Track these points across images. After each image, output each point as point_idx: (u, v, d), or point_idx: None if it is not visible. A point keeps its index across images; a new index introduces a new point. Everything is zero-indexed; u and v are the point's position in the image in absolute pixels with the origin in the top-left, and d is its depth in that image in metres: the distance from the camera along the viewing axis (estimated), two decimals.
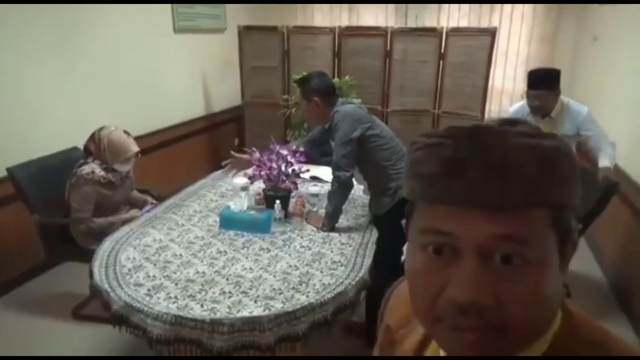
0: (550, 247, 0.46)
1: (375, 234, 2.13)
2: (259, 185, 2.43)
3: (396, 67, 4.08)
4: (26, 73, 2.79)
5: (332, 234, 2.09)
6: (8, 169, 2.40)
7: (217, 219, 2.17)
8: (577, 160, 0.48)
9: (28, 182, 2.41)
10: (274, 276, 1.73)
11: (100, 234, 2.23)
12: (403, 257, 2.31)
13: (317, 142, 2.44)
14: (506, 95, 4.84)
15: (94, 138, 2.46)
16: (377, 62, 4.11)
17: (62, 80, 3.01)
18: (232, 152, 2.47)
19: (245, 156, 2.48)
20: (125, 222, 2.42)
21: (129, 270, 1.76)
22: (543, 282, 0.45)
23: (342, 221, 2.20)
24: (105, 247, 1.94)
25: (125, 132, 2.52)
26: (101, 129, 2.47)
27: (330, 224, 2.12)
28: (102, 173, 2.42)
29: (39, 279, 2.96)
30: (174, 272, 1.74)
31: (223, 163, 2.50)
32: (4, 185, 2.53)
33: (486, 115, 4.02)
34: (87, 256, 1.95)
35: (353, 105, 2.22)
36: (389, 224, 2.15)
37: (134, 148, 2.50)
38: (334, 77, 4.05)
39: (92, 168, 2.41)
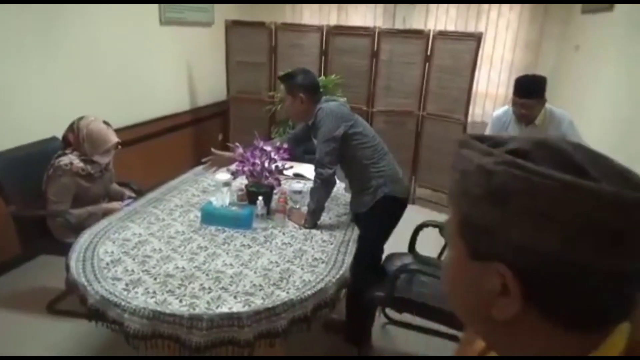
0: (458, 247, 0.50)
1: (356, 232, 2.13)
2: (242, 181, 2.41)
3: (382, 68, 4.10)
4: (4, 61, 2.72)
5: (313, 231, 2.09)
6: None
7: (199, 214, 2.15)
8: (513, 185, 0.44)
9: (4, 172, 2.36)
10: (255, 272, 1.72)
11: (78, 227, 2.20)
12: (384, 256, 2.33)
13: (301, 139, 2.44)
14: (490, 99, 4.91)
15: (72, 128, 2.41)
16: (363, 61, 4.12)
17: (42, 69, 2.95)
18: (213, 150, 2.45)
19: (226, 153, 2.46)
20: (105, 213, 2.38)
21: (107, 264, 1.73)
22: (446, 269, 0.53)
23: (324, 219, 2.20)
24: (83, 240, 1.90)
25: (105, 122, 2.48)
26: (80, 119, 2.43)
27: (312, 221, 2.12)
28: (81, 164, 2.38)
29: (13, 272, 2.89)
30: (153, 267, 1.72)
31: (203, 160, 2.48)
32: None
33: (469, 119, 4.06)
34: (63, 249, 1.91)
35: (336, 102, 2.22)
36: (369, 222, 2.16)
37: (114, 139, 2.47)
38: (320, 75, 4.05)
39: (71, 159, 2.36)
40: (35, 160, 2.46)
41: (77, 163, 2.37)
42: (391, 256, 2.35)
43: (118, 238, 1.94)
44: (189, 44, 4.40)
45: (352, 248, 1.97)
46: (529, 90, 2.57)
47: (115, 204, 2.50)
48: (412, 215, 2.47)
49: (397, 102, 4.15)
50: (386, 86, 4.15)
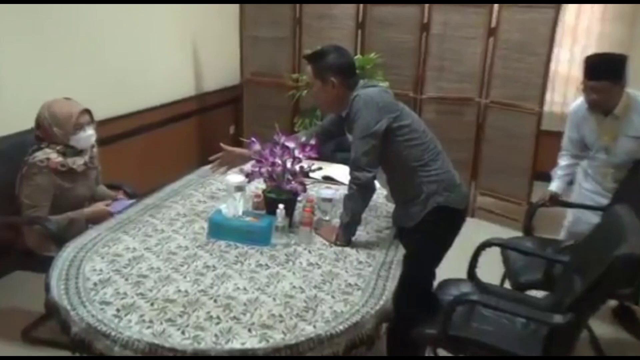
0: None
1: (401, 251, 2.11)
2: (258, 185, 2.42)
3: (434, 44, 4.08)
4: None
5: (347, 250, 2.08)
6: None
7: (205, 226, 2.17)
8: None
9: None
10: (274, 299, 1.72)
11: (59, 237, 2.24)
12: (436, 282, 2.29)
13: (331, 133, 2.43)
14: (572, 83, 4.79)
15: (37, 122, 2.49)
16: (410, 36, 4.10)
17: (18, 47, 3.02)
18: (223, 145, 2.47)
19: (239, 150, 2.47)
20: (90, 219, 2.42)
21: (95, 284, 1.76)
22: None
23: (361, 234, 2.19)
24: (66, 254, 1.94)
25: (66, 98, 2.55)
26: (40, 108, 2.49)
27: (345, 236, 2.11)
28: (60, 159, 2.44)
29: None
30: (150, 290, 1.74)
31: (211, 158, 2.50)
32: None
33: (546, 108, 3.98)
34: (43, 265, 1.95)
35: (377, 88, 2.20)
36: (418, 239, 2.14)
37: (78, 107, 2.51)
38: (355, 54, 4.04)
39: (47, 153, 2.42)
40: (9, 156, 2.51)
41: (55, 158, 2.42)
42: (445, 283, 2.32)
43: (108, 253, 1.97)
44: (195, 15, 4.45)
45: (395, 272, 1.95)
46: (599, 70, 2.57)
47: (99, 205, 2.55)
48: (472, 231, 2.43)
49: (452, 87, 4.11)
50: (439, 67, 4.11)
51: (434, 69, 4.13)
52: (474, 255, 2.37)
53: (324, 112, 2.76)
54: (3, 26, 2.92)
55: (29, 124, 2.70)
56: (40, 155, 2.42)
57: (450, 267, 2.31)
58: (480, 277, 2.36)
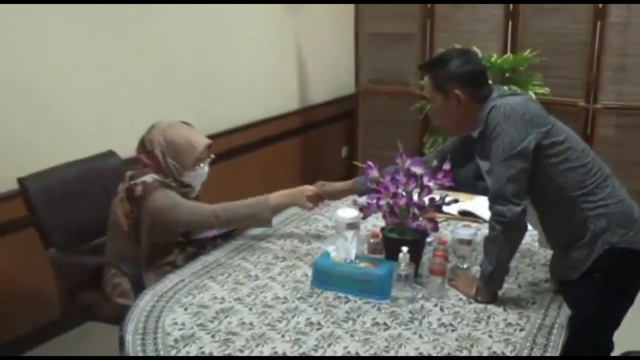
0: None
1: (565, 311, 2.05)
2: (376, 222, 2.45)
3: (613, 36, 3.99)
4: (43, 50, 3.07)
5: (491, 308, 2.05)
6: (19, 180, 2.57)
7: (309, 272, 2.23)
8: None
9: (42, 200, 2.58)
10: None
11: (138, 280, 2.38)
12: (615, 354, 2.19)
13: (466, 155, 2.42)
14: None
15: (144, 146, 2.56)
16: (579, 26, 4.05)
17: (92, 61, 3.29)
18: (318, 184, 2.56)
19: (340, 184, 2.56)
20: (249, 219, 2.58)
21: (176, 341, 1.85)
22: None
23: (510, 287, 2.16)
24: (143, 303, 2.06)
25: (184, 122, 2.63)
26: (150, 129, 2.58)
27: (489, 290, 2.08)
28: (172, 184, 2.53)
29: (49, 344, 3.19)
30: (241, 350, 1.80)
31: (307, 194, 2.56)
32: (8, 203, 2.80)
33: None
34: (117, 315, 2.09)
35: (520, 97, 2.19)
36: (586, 294, 2.07)
37: (204, 139, 2.58)
38: (506, 52, 4.00)
39: (153, 178, 2.48)
40: (85, 183, 2.70)
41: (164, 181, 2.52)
42: (629, 355, 2.21)
43: (192, 303, 2.07)
44: (299, 12, 4.59)
45: (557, 339, 1.89)
46: None
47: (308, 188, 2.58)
48: None
49: (638, 92, 3.98)
50: (619, 66, 4.02)
51: (613, 69, 4.02)
52: None
53: (449, 133, 2.75)
54: (77, 37, 3.21)
55: (103, 145, 2.91)
56: (145, 178, 2.48)
57: (635, 332, 2.21)
58: None
